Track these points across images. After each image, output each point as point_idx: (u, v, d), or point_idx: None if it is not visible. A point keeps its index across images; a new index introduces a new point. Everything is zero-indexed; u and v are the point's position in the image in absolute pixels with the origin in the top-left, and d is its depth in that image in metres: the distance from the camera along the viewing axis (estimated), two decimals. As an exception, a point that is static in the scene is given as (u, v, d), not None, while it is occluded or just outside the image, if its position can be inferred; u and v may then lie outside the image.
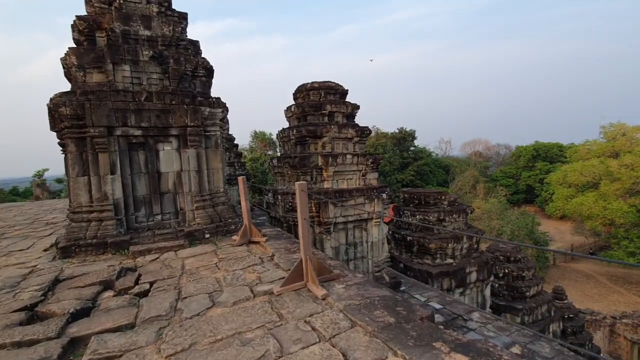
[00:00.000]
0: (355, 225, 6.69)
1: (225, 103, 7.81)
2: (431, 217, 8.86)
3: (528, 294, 10.10)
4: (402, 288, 7.14)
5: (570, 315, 11.98)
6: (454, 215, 9.14)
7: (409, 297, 6.69)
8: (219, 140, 5.75)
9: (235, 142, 16.82)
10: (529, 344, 4.94)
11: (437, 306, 6.22)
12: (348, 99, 7.57)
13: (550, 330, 10.15)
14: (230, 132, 16.76)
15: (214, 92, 6.15)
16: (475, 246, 9.30)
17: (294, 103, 7.28)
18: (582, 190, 30.82)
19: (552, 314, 10.31)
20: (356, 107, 7.23)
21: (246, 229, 5.00)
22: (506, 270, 10.48)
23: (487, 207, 32.67)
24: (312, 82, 7.00)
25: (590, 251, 37.98)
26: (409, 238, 8.95)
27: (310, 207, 6.03)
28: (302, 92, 7.10)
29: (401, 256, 9.02)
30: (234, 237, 5.12)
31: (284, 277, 3.26)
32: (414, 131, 58.99)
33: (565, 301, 12.51)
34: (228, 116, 12.31)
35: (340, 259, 6.58)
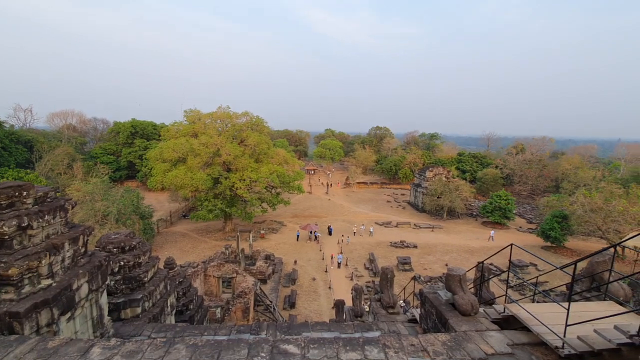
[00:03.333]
0: None
1: None
2: (6, 228, 5.56)
3: (146, 278, 9.54)
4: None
5: (180, 280, 13.06)
6: (48, 217, 6.39)
7: (-33, 382, 3.69)
8: None
9: None
10: (166, 356, 4.27)
11: (32, 370, 3.90)
12: None
13: (169, 303, 10.38)
14: None
15: None
16: (83, 249, 7.19)
17: None
18: (175, 165, 34.83)
19: (169, 288, 10.55)
20: None
21: None
22: (122, 263, 9.19)
23: (88, 188, 28.34)
24: None
25: (183, 213, 44.95)
26: (-42, 271, 5.10)
27: None
28: None
29: (-57, 306, 5.00)
30: None
31: None
32: (-41, 87, 38.19)
33: (176, 268, 13.43)
34: None
35: None
